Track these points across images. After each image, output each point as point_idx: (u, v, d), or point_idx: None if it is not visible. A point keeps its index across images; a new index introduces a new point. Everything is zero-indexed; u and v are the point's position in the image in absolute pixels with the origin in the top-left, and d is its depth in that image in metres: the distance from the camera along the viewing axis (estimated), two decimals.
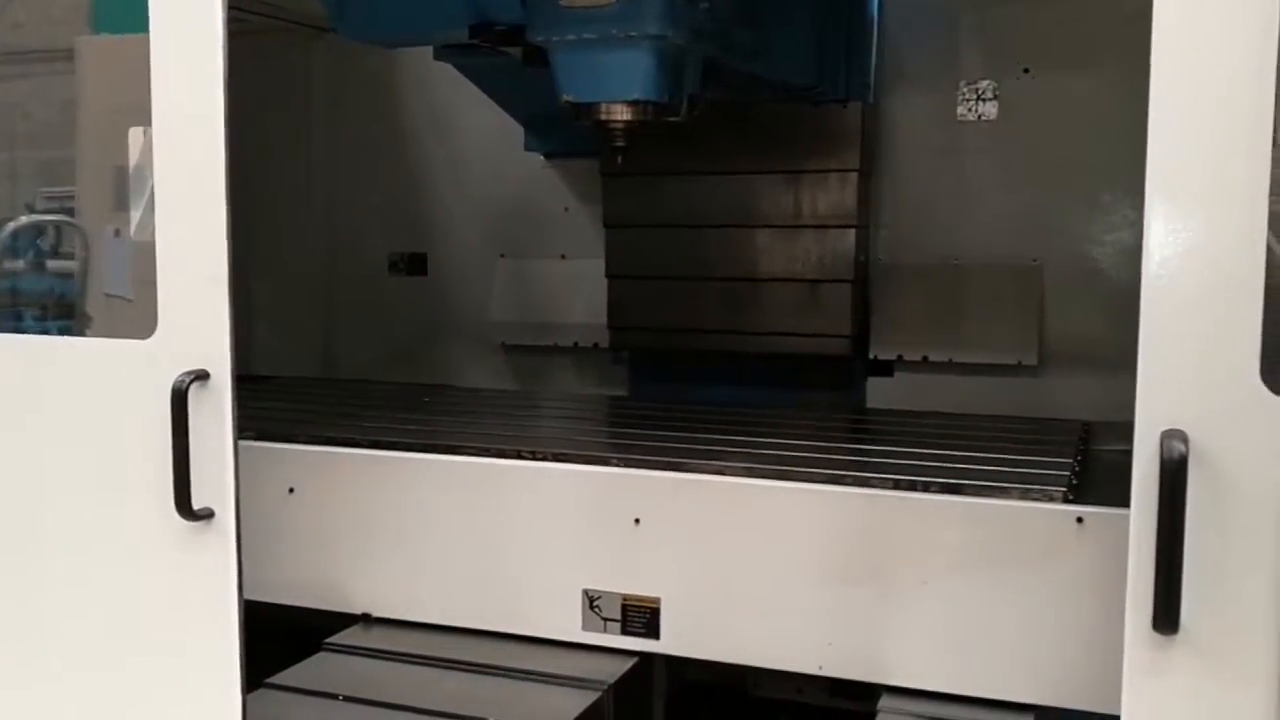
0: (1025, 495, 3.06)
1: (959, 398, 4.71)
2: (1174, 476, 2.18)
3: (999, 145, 4.62)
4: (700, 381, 4.83)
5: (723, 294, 4.67)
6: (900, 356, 4.82)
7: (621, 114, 3.46)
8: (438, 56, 4.30)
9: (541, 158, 5.05)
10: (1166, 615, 2.23)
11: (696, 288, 4.68)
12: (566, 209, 5.14)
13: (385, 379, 5.24)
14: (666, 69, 3.34)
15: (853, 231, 4.49)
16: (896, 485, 3.17)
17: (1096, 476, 3.43)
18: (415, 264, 5.41)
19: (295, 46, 5.46)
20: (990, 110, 4.67)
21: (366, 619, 3.69)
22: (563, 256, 5.18)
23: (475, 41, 3.64)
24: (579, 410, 4.82)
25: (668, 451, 3.49)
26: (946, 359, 4.74)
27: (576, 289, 5.08)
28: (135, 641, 2.96)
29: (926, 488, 3.15)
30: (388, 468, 3.62)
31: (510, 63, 3.95)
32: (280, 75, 5.49)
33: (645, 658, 3.39)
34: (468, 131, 5.20)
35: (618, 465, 3.45)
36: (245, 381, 4.93)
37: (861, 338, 4.64)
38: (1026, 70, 4.58)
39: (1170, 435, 2.21)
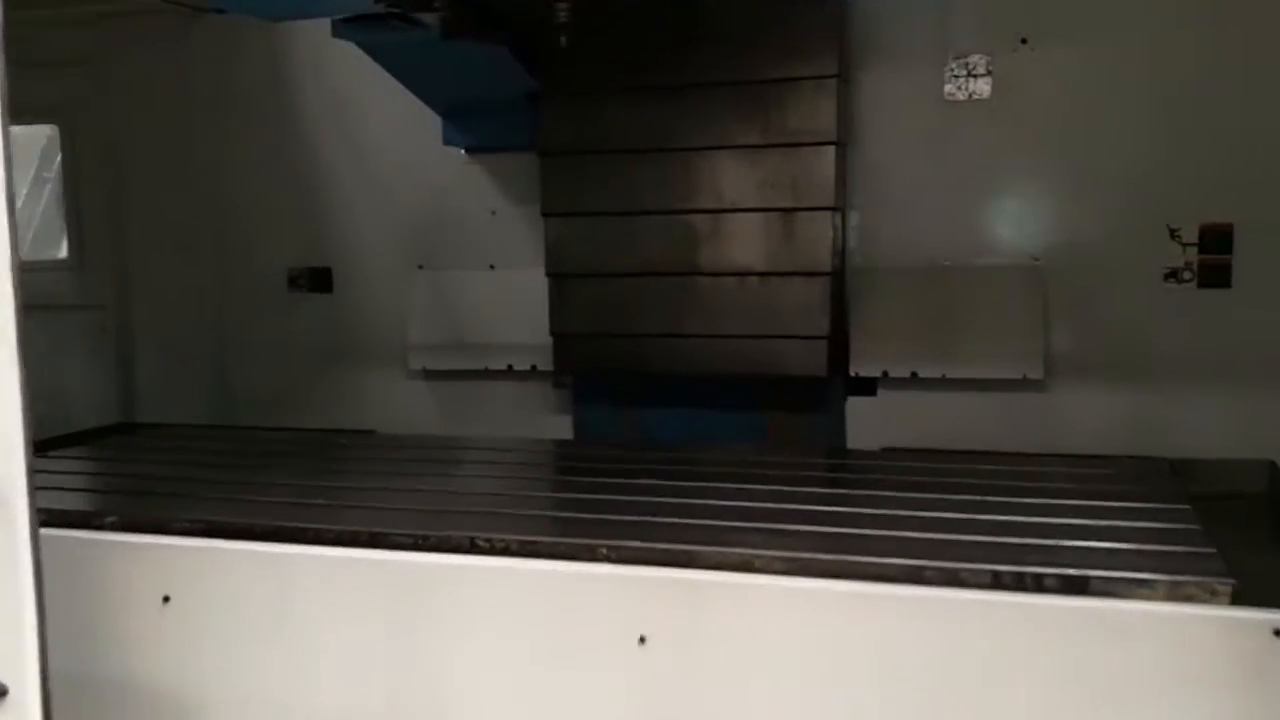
0: (1178, 595, 2.20)
1: (955, 419, 4.15)
2: None
3: (993, 127, 4.09)
4: (654, 403, 4.33)
5: (680, 292, 4.07)
6: (885, 373, 4.24)
7: None
8: (337, 33, 3.62)
9: (463, 153, 4.57)
10: None
11: (649, 288, 4.09)
12: (494, 212, 4.61)
13: (287, 416, 4.71)
14: None
15: (832, 170, 3.86)
16: (997, 581, 2.30)
17: (1239, 546, 2.51)
18: (318, 279, 4.89)
19: (172, 29, 4.92)
20: (983, 88, 4.12)
21: None
22: (491, 267, 4.64)
23: (381, 9, 3.01)
24: (522, 462, 4.00)
25: (661, 532, 2.67)
26: (939, 375, 4.17)
27: (508, 304, 4.55)
28: None
29: (1040, 584, 2.28)
30: (288, 568, 2.76)
31: (425, 39, 3.37)
32: (155, 62, 4.99)
33: None
34: (377, 124, 4.67)
35: (609, 561, 2.54)
36: (116, 434, 4.54)
37: (839, 350, 4.12)
38: (1024, 41, 4.04)
39: None
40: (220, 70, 4.95)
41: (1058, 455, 3.71)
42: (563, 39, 3.06)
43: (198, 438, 4.35)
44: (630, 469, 3.47)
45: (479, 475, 3.74)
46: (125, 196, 5.12)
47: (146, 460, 3.98)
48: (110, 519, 2.91)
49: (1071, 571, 2.28)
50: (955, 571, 2.32)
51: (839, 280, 4.10)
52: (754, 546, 2.50)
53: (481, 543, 2.62)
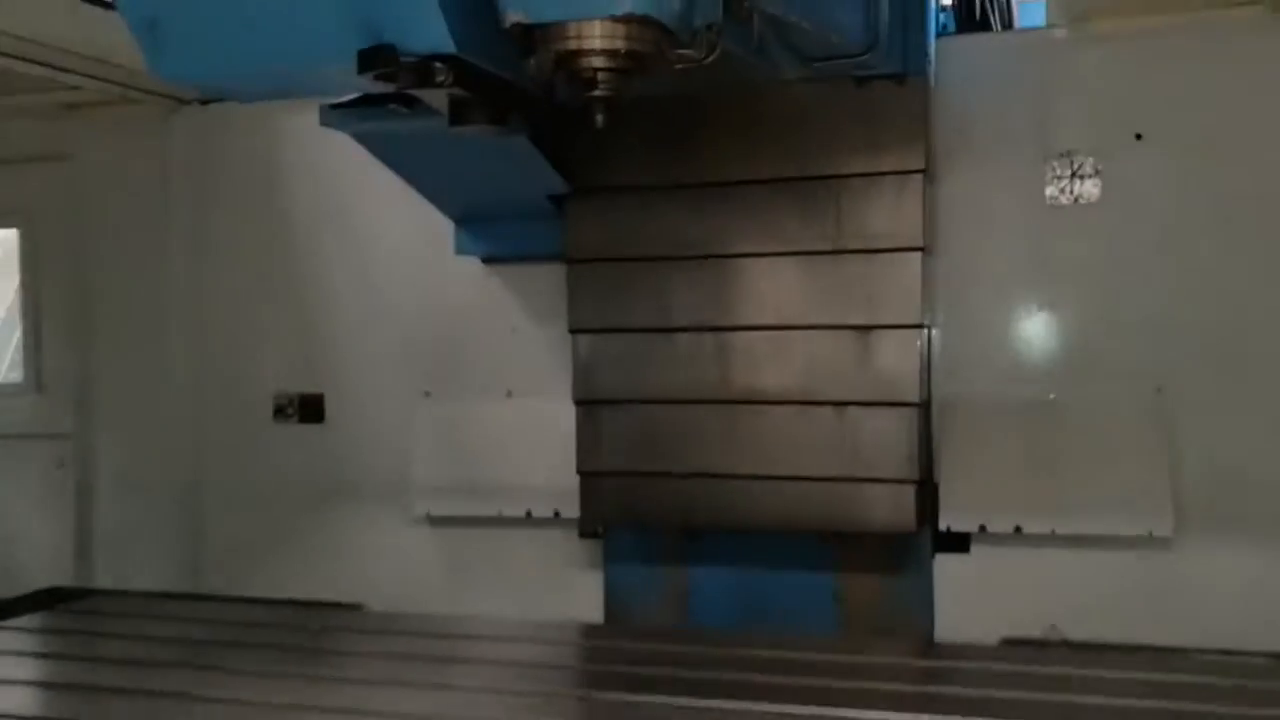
0: None
1: (1066, 585, 3.60)
2: None
3: (1104, 235, 3.60)
4: (701, 560, 3.86)
5: (734, 425, 3.57)
6: (982, 527, 3.64)
7: (605, 40, 2.31)
8: (325, 122, 3.13)
9: (479, 262, 4.13)
10: None
11: (696, 419, 3.60)
12: (514, 330, 4.15)
13: (268, 572, 4.33)
14: None
15: (918, 280, 3.39)
16: None
17: None
18: (309, 408, 4.44)
19: (149, 122, 4.60)
20: (1091, 190, 3.60)
21: None
22: (509, 395, 4.16)
23: (372, 86, 2.45)
24: (534, 661, 3.23)
25: None
26: (1046, 530, 3.58)
27: (529, 438, 4.07)
28: None
29: None
30: None
31: (430, 128, 2.81)
32: (130, 160, 4.67)
33: None
34: (379, 230, 4.29)
35: None
36: (61, 599, 3.93)
37: (926, 498, 3.58)
38: (1139, 137, 3.55)
39: None
40: (202, 169, 4.60)
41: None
42: (599, 117, 2.46)
43: (150, 615, 3.77)
44: (669, 678, 2.82)
45: (478, 688, 2.94)
46: (92, 310, 4.75)
47: (74, 656, 3.39)
48: None
49: None
50: None
51: (925, 413, 3.56)
52: None
53: None
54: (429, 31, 2.29)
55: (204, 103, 4.41)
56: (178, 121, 4.56)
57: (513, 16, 2.25)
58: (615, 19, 2.24)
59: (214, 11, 2.42)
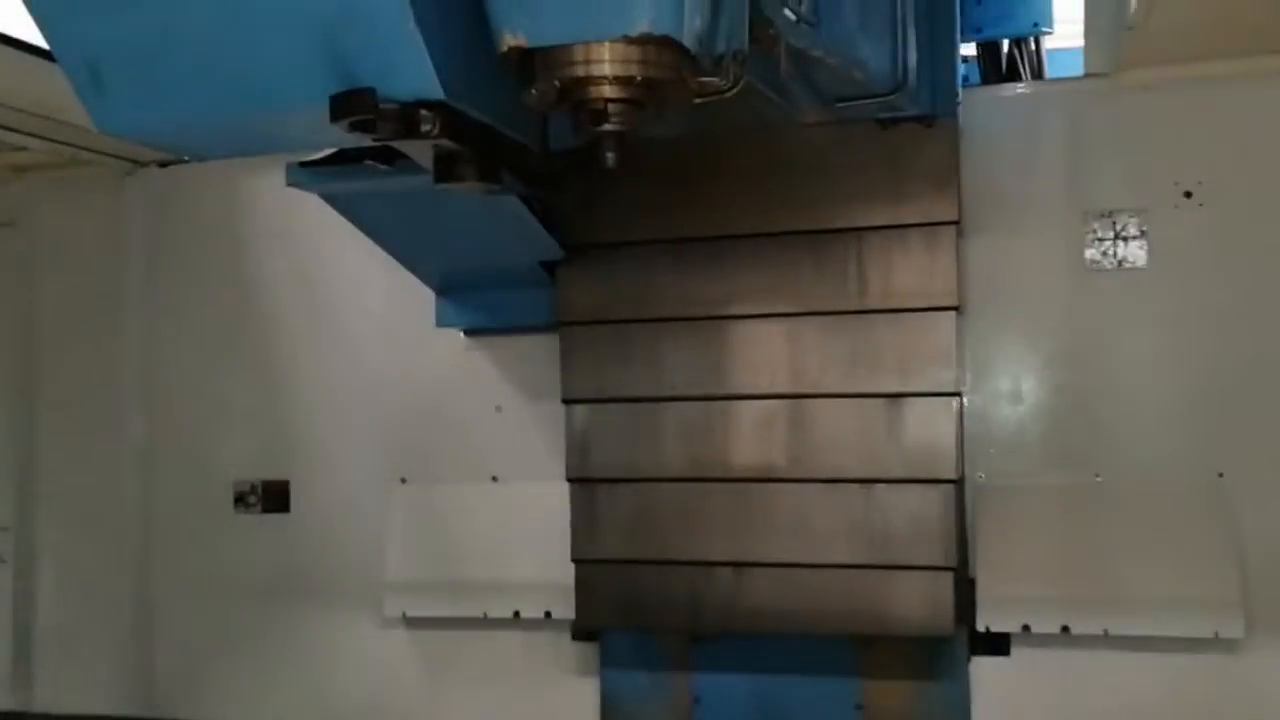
0: None
1: (1122, 694, 3.26)
2: None
3: (1152, 302, 3.32)
4: (709, 665, 3.58)
5: (747, 505, 3.29)
6: (1025, 626, 3.30)
7: (617, 65, 2.02)
8: (292, 180, 2.86)
9: (461, 335, 3.91)
10: None
11: (704, 499, 3.32)
12: (499, 408, 3.88)
13: (224, 681, 4.07)
14: None
15: (953, 367, 3.12)
16: None
17: None
18: (273, 496, 4.18)
19: (102, 185, 4.37)
20: (1136, 253, 3.32)
21: None
22: (494, 479, 3.89)
23: (347, 138, 2.15)
24: None
25: None
26: (1098, 630, 3.24)
27: (516, 527, 3.80)
28: None
29: None
30: None
31: (411, 186, 2.56)
32: (80, 225, 4.44)
33: None
34: (352, 300, 4.06)
35: None
36: None
37: (962, 592, 3.26)
38: (1188, 195, 3.27)
39: None
40: (160, 235, 4.38)
41: None
42: (609, 155, 2.16)
43: None
44: None
45: None
46: (37, 388, 4.47)
47: None
48: None
49: None
50: None
51: (960, 493, 3.25)
52: None
53: None
54: (413, 73, 2.00)
55: (163, 164, 4.18)
56: (134, 184, 4.33)
57: (511, 40, 1.95)
58: (629, 40, 1.94)
59: (163, 52, 2.11)
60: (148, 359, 4.33)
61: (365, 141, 2.14)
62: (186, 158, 4.03)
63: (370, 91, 1.94)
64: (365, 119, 1.95)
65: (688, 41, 1.97)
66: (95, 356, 4.37)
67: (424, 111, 2.02)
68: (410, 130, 2.03)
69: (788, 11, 2.42)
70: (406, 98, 2.02)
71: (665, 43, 1.96)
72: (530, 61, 2.02)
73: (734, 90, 2.18)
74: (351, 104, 1.95)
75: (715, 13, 2.09)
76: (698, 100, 2.19)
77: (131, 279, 4.34)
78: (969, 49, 3.63)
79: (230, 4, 1.98)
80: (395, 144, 2.19)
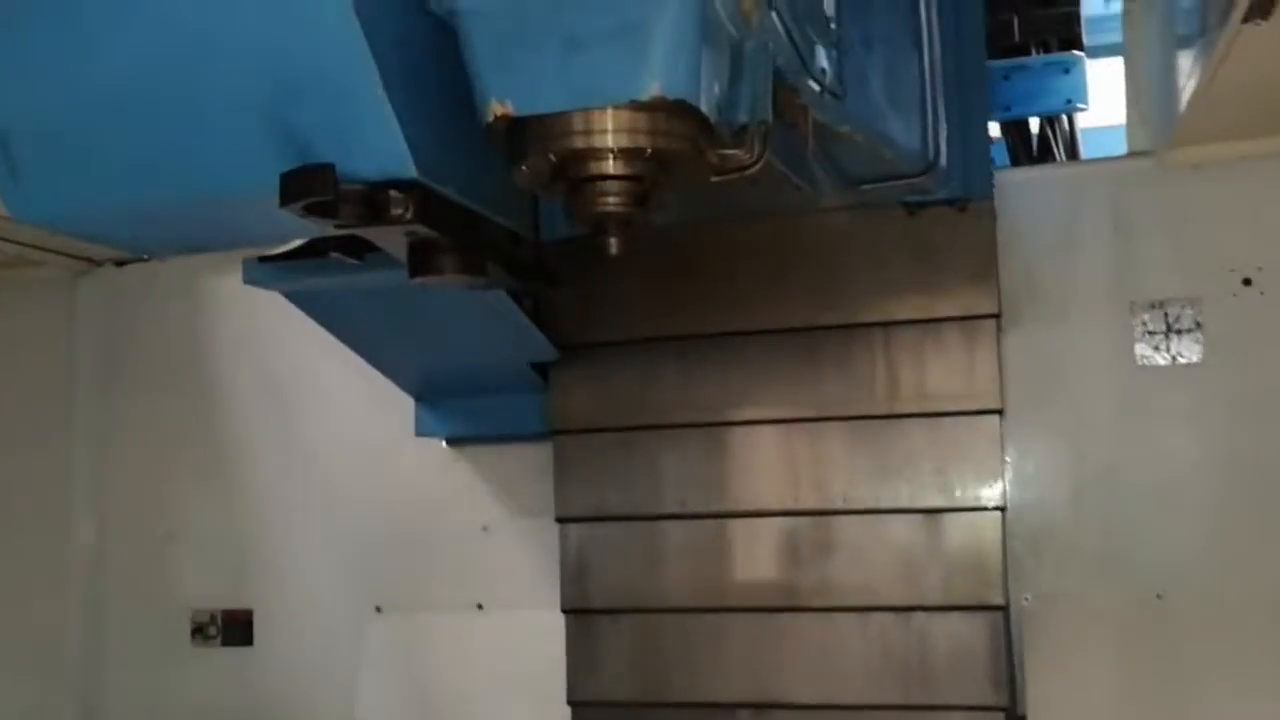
0: None
1: None
2: None
3: (1212, 404, 3.04)
4: None
5: (766, 637, 3.05)
6: None
7: (622, 135, 1.74)
8: (250, 278, 2.63)
9: (444, 445, 3.69)
10: None
11: (718, 631, 3.10)
12: (485, 528, 3.65)
13: None
14: (719, 55, 1.76)
15: (999, 478, 2.89)
16: None
17: None
18: (235, 627, 3.95)
19: (52, 286, 4.20)
20: (1191, 348, 3.05)
21: None
22: (480, 607, 3.65)
23: (304, 225, 1.86)
24: None
25: None
26: None
27: (504, 662, 3.57)
28: None
29: None
30: None
31: (383, 281, 2.30)
32: (28, 329, 4.26)
33: None
34: (323, 408, 3.85)
35: None
36: None
37: None
38: (1247, 283, 3.02)
39: None
40: (114, 340, 4.17)
41: None
42: (612, 241, 1.88)
43: None
44: None
45: None
46: None
47: None
48: None
49: None
50: None
51: (1006, 619, 2.99)
52: None
53: None
54: (381, 148, 1.73)
55: (120, 263, 3.99)
56: (87, 285, 4.12)
57: (497, 108, 1.67)
58: (638, 106, 1.66)
59: (85, 124, 1.82)
60: (97, 472, 4.11)
61: (328, 230, 1.83)
62: (146, 255, 3.85)
63: (328, 168, 1.65)
64: (322, 201, 1.66)
65: (706, 108, 1.70)
66: (39, 471, 4.15)
67: (394, 193, 1.74)
68: (378, 215, 1.74)
69: (812, 82, 2.17)
70: (373, 177, 1.74)
71: (679, 109, 1.69)
72: (520, 133, 1.74)
73: (757, 166, 1.91)
74: (306, 183, 1.65)
75: (736, 77, 1.83)
76: (715, 179, 1.91)
77: (82, 385, 4.13)
78: (994, 128, 3.43)
79: (160, 68, 1.69)
80: (361, 232, 1.89)
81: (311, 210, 1.68)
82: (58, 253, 3.89)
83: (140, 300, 4.04)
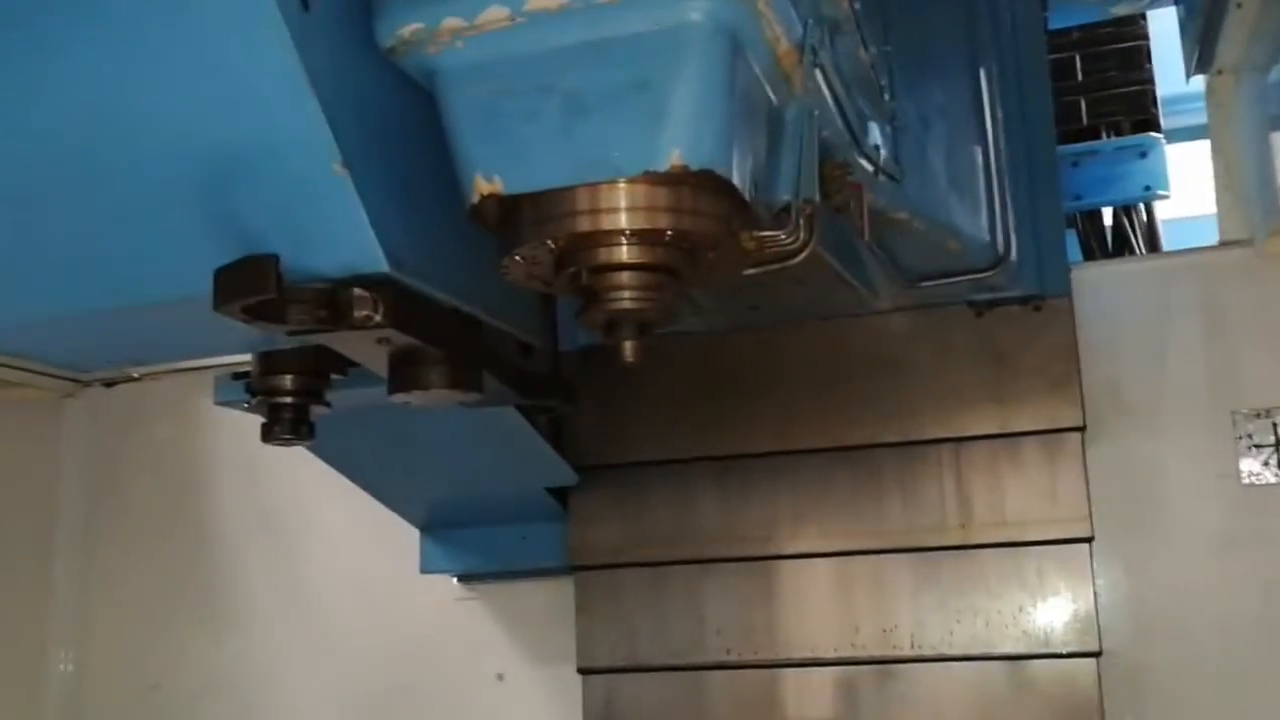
0: None
1: None
2: None
3: None
4: None
5: None
6: None
7: (638, 215, 1.39)
8: (221, 397, 2.30)
9: (454, 583, 3.41)
10: None
11: None
12: (500, 676, 3.35)
13: None
14: (754, 119, 1.46)
15: (1090, 587, 2.56)
16: None
17: None
18: None
19: (35, 408, 3.92)
20: None
21: None
22: None
23: (254, 331, 1.50)
24: None
25: None
26: None
27: None
28: None
29: None
30: None
31: (372, 401, 1.94)
32: (8, 453, 3.92)
33: None
34: (320, 541, 3.56)
35: None
36: None
37: None
38: None
39: None
40: (99, 465, 3.89)
41: None
42: (628, 346, 1.52)
43: None
44: None
45: None
46: None
47: None
48: None
49: None
50: None
51: None
52: None
53: None
54: (343, 236, 1.39)
55: (108, 383, 3.74)
56: (73, 407, 3.84)
57: (484, 186, 1.34)
58: (654, 179, 1.33)
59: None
60: (77, 609, 3.78)
61: (280, 338, 1.51)
62: (136, 374, 3.58)
63: (271, 260, 1.32)
64: (265, 301, 1.33)
65: (738, 180, 1.37)
66: (16, 607, 3.79)
67: (358, 291, 1.40)
68: (339, 317, 1.41)
69: (864, 160, 1.85)
70: (335, 273, 1.41)
71: (706, 183, 1.36)
72: (513, 216, 1.42)
73: (804, 255, 1.57)
74: (243, 280, 1.32)
75: (774, 147, 1.51)
76: (752, 270, 1.58)
77: (65, 513, 3.83)
78: None
79: (71, 153, 1.38)
80: (325, 340, 1.55)
81: (253, 313, 1.35)
82: (41, 373, 3.62)
83: (129, 423, 3.77)
